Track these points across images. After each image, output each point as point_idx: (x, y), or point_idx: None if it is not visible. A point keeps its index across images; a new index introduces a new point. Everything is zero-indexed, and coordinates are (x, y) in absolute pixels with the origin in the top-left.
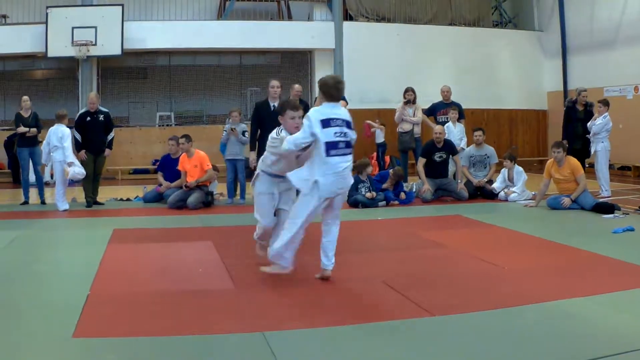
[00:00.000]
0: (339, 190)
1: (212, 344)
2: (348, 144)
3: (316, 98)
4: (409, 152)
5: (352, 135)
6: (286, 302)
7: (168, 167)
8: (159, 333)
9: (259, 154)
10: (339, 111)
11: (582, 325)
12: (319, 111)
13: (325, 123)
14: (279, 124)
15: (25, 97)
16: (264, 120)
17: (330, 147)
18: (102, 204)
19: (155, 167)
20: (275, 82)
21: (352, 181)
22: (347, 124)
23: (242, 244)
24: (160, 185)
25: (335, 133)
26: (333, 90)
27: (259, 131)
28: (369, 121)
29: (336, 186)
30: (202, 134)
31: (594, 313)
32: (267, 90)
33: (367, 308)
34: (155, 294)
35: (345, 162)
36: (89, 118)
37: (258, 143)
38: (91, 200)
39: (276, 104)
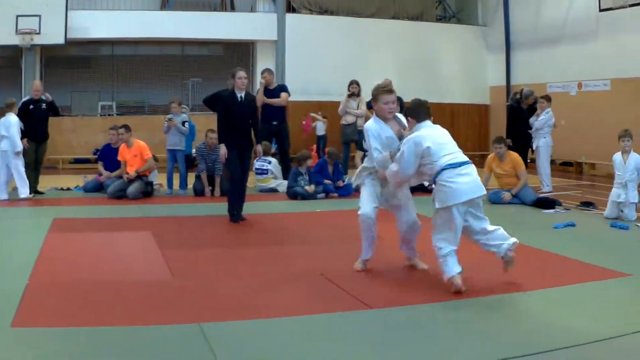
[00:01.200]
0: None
1: (149, 334)
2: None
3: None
4: (351, 144)
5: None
6: (224, 293)
7: (108, 156)
8: (97, 323)
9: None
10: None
11: (522, 320)
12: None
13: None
14: (246, 115)
15: None
16: (231, 111)
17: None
18: (43, 193)
19: (97, 156)
20: (242, 73)
21: None
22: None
23: (181, 234)
24: (101, 174)
25: None
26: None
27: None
28: (312, 114)
29: None
30: (143, 124)
31: (535, 308)
32: (233, 82)
33: (305, 300)
34: (94, 283)
35: None
36: (32, 106)
37: (226, 134)
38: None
39: (243, 95)
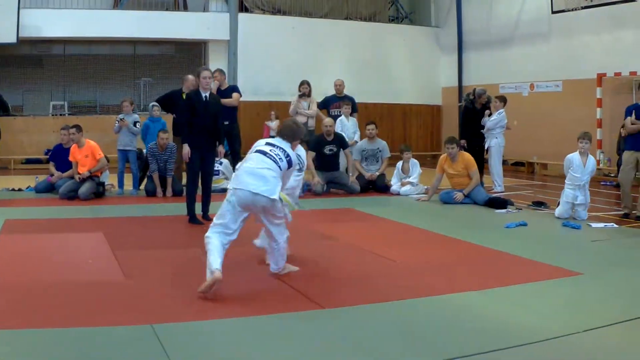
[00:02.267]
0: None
1: (101, 335)
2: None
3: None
4: (303, 145)
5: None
6: (176, 294)
7: (60, 157)
8: (47, 325)
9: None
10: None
11: (473, 319)
12: None
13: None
14: (211, 115)
15: None
16: (195, 111)
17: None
18: None
19: (48, 156)
20: (207, 73)
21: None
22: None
23: (134, 235)
24: (52, 175)
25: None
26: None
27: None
28: (267, 122)
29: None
30: (95, 123)
31: (486, 307)
32: (197, 80)
33: (257, 301)
34: (46, 285)
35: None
36: None
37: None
38: None
39: (208, 95)
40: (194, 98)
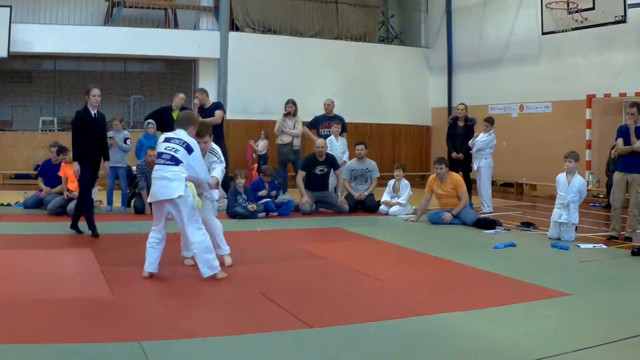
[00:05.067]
0: (161, 196)
1: (87, 352)
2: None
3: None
4: (288, 164)
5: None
6: (164, 311)
7: (49, 172)
8: (35, 340)
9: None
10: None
11: (461, 340)
12: None
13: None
14: (99, 131)
15: None
16: (86, 128)
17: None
18: None
19: (37, 172)
20: (96, 91)
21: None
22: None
23: (122, 252)
24: (41, 190)
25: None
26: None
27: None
28: (251, 142)
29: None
30: None
31: (474, 327)
32: (87, 98)
33: (245, 319)
34: (33, 301)
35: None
36: None
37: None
38: None
39: (96, 112)
40: (83, 115)
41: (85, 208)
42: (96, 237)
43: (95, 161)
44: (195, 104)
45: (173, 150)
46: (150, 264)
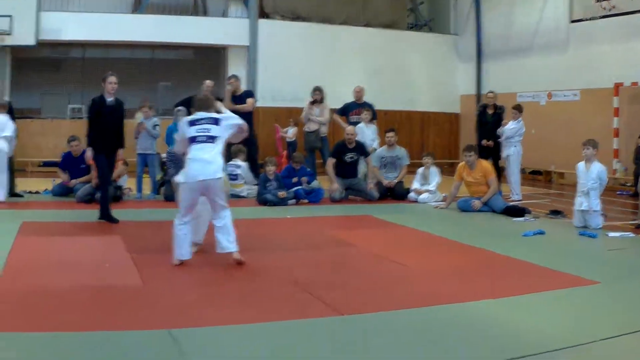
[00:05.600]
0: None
1: (118, 340)
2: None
3: None
4: (315, 151)
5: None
6: (194, 299)
7: (71, 165)
8: (63, 328)
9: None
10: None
11: (489, 327)
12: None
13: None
14: (115, 119)
15: None
16: (101, 115)
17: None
18: (22, 195)
19: (59, 165)
20: (113, 78)
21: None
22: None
23: (151, 239)
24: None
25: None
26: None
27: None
28: (278, 127)
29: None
30: None
31: (503, 315)
32: (103, 84)
33: (276, 307)
34: (62, 288)
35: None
36: None
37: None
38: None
39: (112, 100)
40: (98, 102)
41: (101, 194)
42: (116, 223)
43: (111, 148)
44: (229, 90)
45: (205, 130)
46: (187, 252)
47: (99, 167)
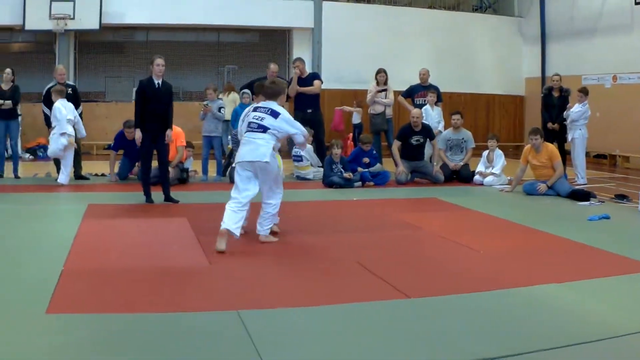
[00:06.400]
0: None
1: (185, 321)
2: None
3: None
4: (381, 133)
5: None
6: (261, 281)
7: (125, 146)
8: (131, 310)
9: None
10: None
11: (556, 312)
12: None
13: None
14: (163, 101)
15: (8, 70)
16: (148, 97)
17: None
18: (88, 178)
19: (112, 145)
20: (160, 60)
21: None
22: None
23: (218, 221)
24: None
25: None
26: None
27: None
28: (340, 107)
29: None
30: (178, 110)
31: (569, 300)
32: (151, 68)
33: (342, 289)
34: (129, 270)
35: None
36: None
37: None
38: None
39: (160, 82)
40: (147, 85)
41: (142, 176)
42: (151, 203)
43: (157, 130)
44: (296, 73)
45: (259, 119)
46: (237, 227)
47: (142, 147)
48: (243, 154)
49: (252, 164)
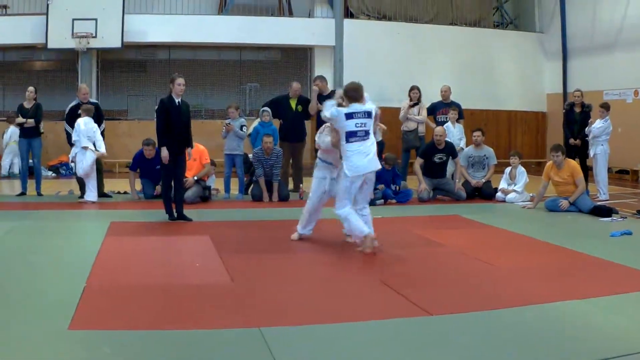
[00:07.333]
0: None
1: (207, 338)
2: (367, 132)
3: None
4: (410, 151)
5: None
6: (283, 298)
7: (143, 165)
8: (154, 326)
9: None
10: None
11: (578, 328)
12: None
13: (349, 116)
14: (183, 119)
15: (31, 88)
16: (170, 116)
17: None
18: (110, 196)
19: (130, 165)
20: (181, 80)
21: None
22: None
23: (240, 239)
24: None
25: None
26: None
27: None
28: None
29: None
30: (200, 128)
31: (591, 316)
32: (172, 87)
33: (365, 306)
34: (152, 287)
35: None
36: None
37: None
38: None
39: (180, 101)
40: (167, 103)
41: (164, 194)
42: (173, 221)
43: (179, 148)
44: (314, 91)
45: (362, 125)
46: (365, 226)
47: (166, 166)
48: (366, 164)
49: (370, 173)
